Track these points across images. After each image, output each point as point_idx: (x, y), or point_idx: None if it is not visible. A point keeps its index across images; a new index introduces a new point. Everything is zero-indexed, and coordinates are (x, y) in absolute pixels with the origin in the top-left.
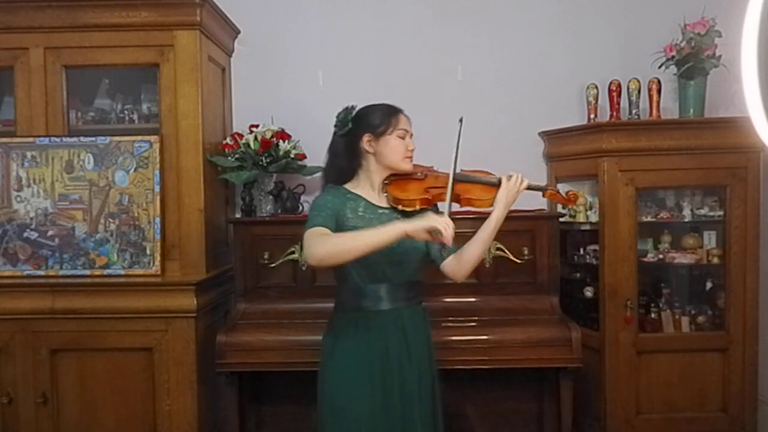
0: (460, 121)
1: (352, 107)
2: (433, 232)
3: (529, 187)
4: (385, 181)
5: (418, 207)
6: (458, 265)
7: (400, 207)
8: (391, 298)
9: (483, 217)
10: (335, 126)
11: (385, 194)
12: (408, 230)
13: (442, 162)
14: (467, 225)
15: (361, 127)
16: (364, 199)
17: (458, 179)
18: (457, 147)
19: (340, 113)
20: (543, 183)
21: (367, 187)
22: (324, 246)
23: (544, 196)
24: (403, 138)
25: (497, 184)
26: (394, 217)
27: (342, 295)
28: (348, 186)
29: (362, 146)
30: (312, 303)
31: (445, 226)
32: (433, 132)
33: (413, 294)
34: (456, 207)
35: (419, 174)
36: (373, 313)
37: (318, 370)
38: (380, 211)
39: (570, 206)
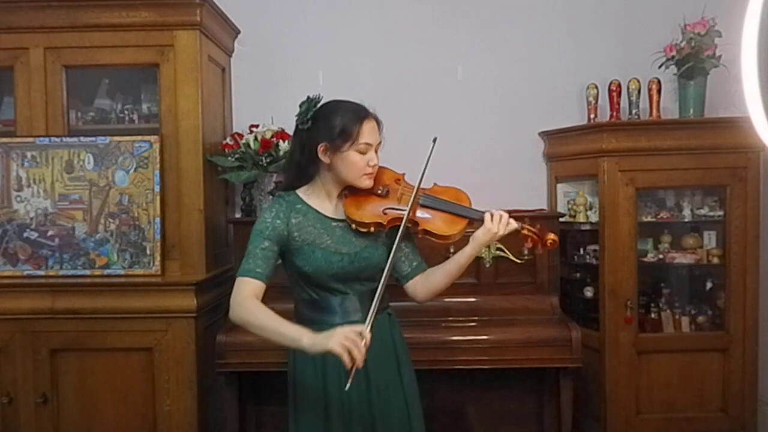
0: (434, 141)
1: (317, 99)
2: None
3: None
4: (345, 191)
5: (372, 230)
6: (422, 289)
7: (353, 226)
8: (350, 310)
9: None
10: (296, 116)
11: (342, 205)
12: (306, 349)
13: (439, 166)
14: None
15: (318, 131)
16: (316, 211)
17: (422, 203)
18: (423, 172)
19: (302, 103)
20: (519, 223)
21: (322, 195)
22: (240, 318)
23: (519, 233)
24: (363, 153)
25: (468, 217)
26: (349, 232)
27: (298, 306)
28: (302, 192)
29: (318, 153)
30: None
31: (346, 350)
32: (432, 132)
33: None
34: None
35: (380, 190)
36: (328, 327)
37: (287, 382)
38: (334, 224)
39: (543, 250)
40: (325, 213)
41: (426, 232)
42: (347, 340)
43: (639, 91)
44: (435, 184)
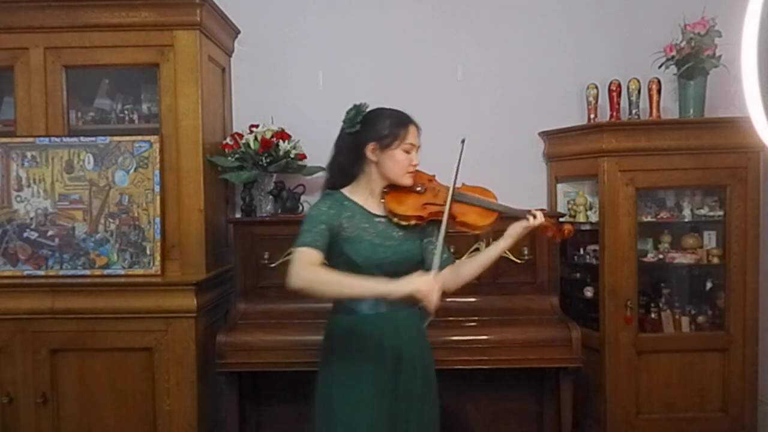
0: (462, 142)
1: (364, 106)
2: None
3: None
4: (384, 189)
5: (413, 222)
6: (451, 279)
7: (395, 220)
8: (386, 301)
9: None
10: (343, 122)
11: (383, 201)
12: (391, 295)
13: (440, 166)
14: None
15: (368, 132)
16: (361, 207)
17: (456, 199)
18: (456, 170)
19: (350, 110)
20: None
21: (366, 193)
22: (306, 279)
23: (539, 229)
24: (408, 152)
25: (498, 211)
26: (390, 227)
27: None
28: (346, 191)
29: (366, 153)
30: (312, 303)
31: (428, 293)
32: (433, 132)
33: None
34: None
35: (419, 188)
36: (367, 317)
37: (316, 376)
38: (376, 219)
39: (560, 238)
40: (369, 209)
41: (462, 224)
42: (428, 288)
43: (639, 91)
44: (464, 183)
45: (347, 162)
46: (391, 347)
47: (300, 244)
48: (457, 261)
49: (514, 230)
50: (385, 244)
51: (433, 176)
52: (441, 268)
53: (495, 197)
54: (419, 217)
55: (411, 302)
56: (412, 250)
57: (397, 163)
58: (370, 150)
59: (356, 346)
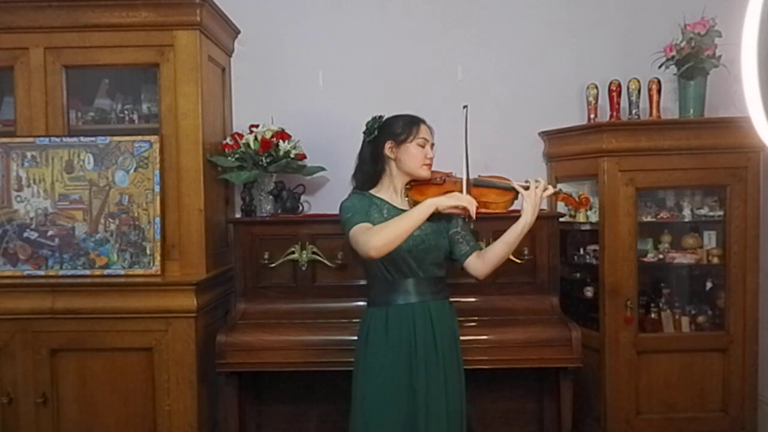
0: (465, 107)
1: (380, 117)
2: (459, 208)
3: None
4: (407, 186)
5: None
6: (482, 264)
7: None
8: (418, 291)
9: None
10: (364, 133)
11: (407, 198)
12: (438, 205)
13: (441, 165)
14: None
15: (384, 134)
16: (388, 202)
17: (474, 183)
18: (465, 134)
19: (368, 121)
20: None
21: (390, 191)
22: (379, 236)
23: (558, 199)
24: (422, 146)
25: (513, 189)
26: None
27: (372, 290)
28: (373, 191)
29: (385, 152)
30: (312, 303)
31: (468, 203)
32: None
33: (438, 289)
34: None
35: (438, 179)
36: (402, 306)
37: (353, 369)
38: (403, 212)
39: (581, 209)
40: (395, 204)
41: (484, 204)
42: (467, 198)
43: (639, 91)
44: (479, 175)
45: (370, 166)
46: (424, 336)
47: (353, 224)
48: (485, 247)
49: (527, 202)
50: (413, 234)
51: (450, 173)
52: (470, 251)
53: (510, 181)
54: None
55: (455, 211)
56: (439, 240)
57: (412, 156)
58: (387, 148)
59: (391, 335)
